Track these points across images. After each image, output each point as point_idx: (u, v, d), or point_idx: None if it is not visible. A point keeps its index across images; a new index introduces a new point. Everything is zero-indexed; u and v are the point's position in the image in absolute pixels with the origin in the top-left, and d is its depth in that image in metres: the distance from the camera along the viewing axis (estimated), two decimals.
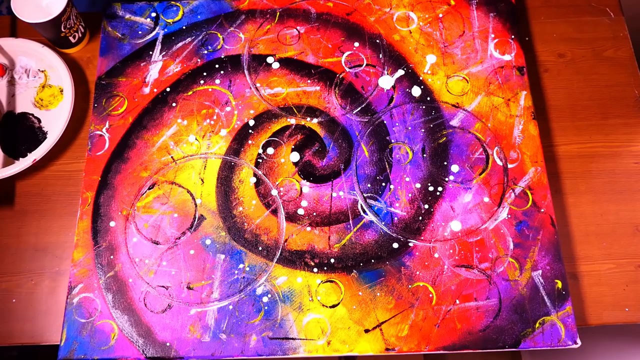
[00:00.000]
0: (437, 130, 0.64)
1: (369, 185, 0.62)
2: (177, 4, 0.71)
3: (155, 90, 0.67)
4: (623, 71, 0.70)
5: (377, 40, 0.69)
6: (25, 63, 0.70)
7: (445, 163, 0.63)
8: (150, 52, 0.69)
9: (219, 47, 0.69)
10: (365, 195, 0.62)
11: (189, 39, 0.69)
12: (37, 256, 0.63)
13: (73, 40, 0.69)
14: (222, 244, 0.60)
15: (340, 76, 0.67)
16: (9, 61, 0.70)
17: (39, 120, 0.67)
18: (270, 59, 0.68)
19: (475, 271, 0.58)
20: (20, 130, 0.67)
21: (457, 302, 0.57)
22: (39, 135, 0.66)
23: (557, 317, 0.56)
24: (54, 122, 0.66)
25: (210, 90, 0.67)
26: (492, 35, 0.69)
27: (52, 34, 0.67)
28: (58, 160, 0.67)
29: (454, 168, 0.62)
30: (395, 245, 0.59)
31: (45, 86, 0.69)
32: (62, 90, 0.68)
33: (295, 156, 0.64)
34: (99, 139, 0.65)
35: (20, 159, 0.65)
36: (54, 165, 0.67)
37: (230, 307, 0.57)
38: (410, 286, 0.58)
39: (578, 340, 0.55)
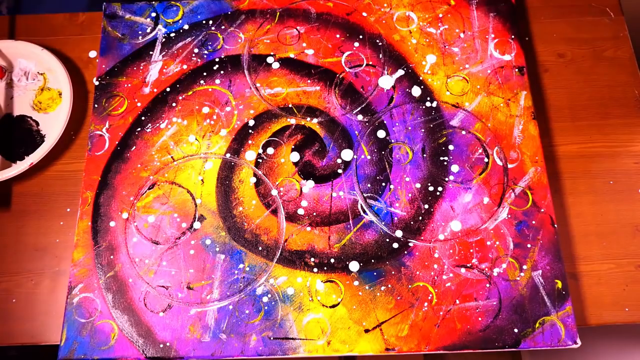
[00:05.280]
0: (437, 130, 0.64)
1: (369, 185, 0.62)
2: (177, 4, 0.71)
3: (155, 90, 0.67)
4: (623, 71, 0.70)
5: (377, 40, 0.69)
6: (24, 65, 0.69)
7: (445, 163, 0.63)
8: (150, 52, 0.69)
9: (219, 47, 0.69)
10: (365, 195, 0.62)
11: (189, 39, 0.69)
12: (37, 256, 0.63)
13: None
14: (222, 244, 0.60)
15: (340, 76, 0.67)
16: (8, 63, 0.70)
17: (37, 123, 0.67)
18: (270, 59, 0.68)
19: (475, 271, 0.58)
20: (18, 133, 0.67)
21: (457, 302, 0.57)
22: (37, 139, 0.66)
23: (557, 317, 0.56)
24: (52, 125, 0.66)
25: (210, 90, 0.67)
26: (492, 35, 0.69)
27: None
28: (58, 161, 0.67)
29: (454, 168, 0.62)
30: (395, 245, 0.59)
31: (44, 89, 0.69)
32: (60, 94, 0.68)
33: (295, 156, 0.64)
34: (99, 138, 0.65)
35: (18, 161, 0.65)
36: (54, 165, 0.67)
37: (230, 307, 0.57)
38: (410, 286, 0.58)
39: (578, 340, 0.55)
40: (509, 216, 0.60)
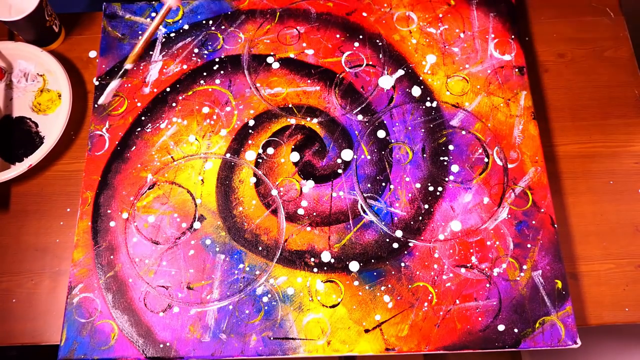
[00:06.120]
0: (437, 130, 0.64)
1: (369, 185, 0.62)
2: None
3: (155, 90, 0.67)
4: (623, 71, 0.70)
5: (377, 40, 0.69)
6: (24, 67, 0.69)
7: (445, 163, 0.63)
8: (150, 52, 0.69)
9: (219, 47, 0.69)
10: (365, 195, 0.62)
11: (189, 39, 0.69)
12: (37, 256, 0.63)
13: (56, 30, 0.69)
14: (222, 244, 0.60)
15: (340, 76, 0.67)
16: (8, 65, 0.69)
17: (37, 125, 0.67)
18: (270, 59, 0.68)
19: (475, 271, 0.58)
20: (17, 135, 0.67)
21: (457, 302, 0.57)
22: (36, 140, 0.66)
23: (557, 317, 0.56)
24: (51, 127, 0.66)
25: (210, 90, 0.67)
26: (492, 35, 0.69)
27: (37, 27, 0.66)
28: (58, 161, 0.67)
29: (454, 168, 0.62)
30: (395, 245, 0.59)
31: (43, 90, 0.68)
32: (60, 95, 0.68)
33: (295, 156, 0.64)
34: (99, 138, 0.65)
35: (17, 163, 0.65)
36: (54, 165, 0.66)
37: (230, 307, 0.57)
38: (410, 286, 0.58)
39: (578, 340, 0.55)
40: (509, 216, 0.60)
